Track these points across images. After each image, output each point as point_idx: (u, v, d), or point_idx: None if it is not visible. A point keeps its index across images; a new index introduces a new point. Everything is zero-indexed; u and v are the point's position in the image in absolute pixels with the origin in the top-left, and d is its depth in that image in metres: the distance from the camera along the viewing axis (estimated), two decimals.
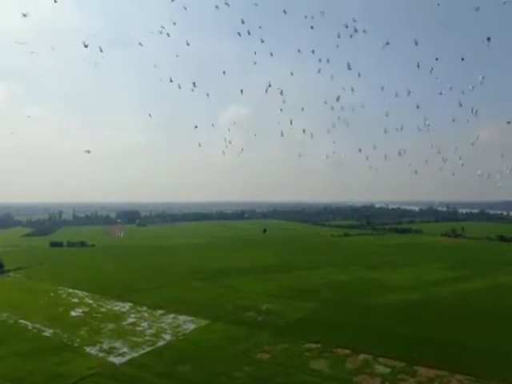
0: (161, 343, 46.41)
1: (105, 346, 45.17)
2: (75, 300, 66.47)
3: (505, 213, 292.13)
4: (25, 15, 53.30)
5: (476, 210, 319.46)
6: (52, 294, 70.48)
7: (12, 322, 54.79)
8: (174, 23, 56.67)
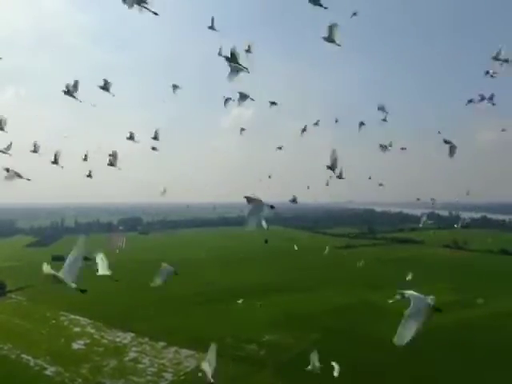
0: None
1: None
2: (77, 329, 66.67)
3: (507, 219, 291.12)
4: None
5: (478, 215, 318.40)
6: (54, 322, 70.71)
7: (14, 356, 55.08)
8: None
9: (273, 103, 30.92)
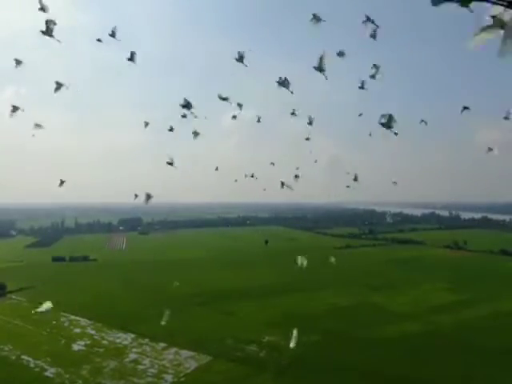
0: None
1: None
2: (77, 330, 66.62)
3: (507, 219, 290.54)
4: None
5: (478, 215, 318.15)
6: (54, 323, 70.54)
7: (14, 358, 55.06)
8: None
9: None
